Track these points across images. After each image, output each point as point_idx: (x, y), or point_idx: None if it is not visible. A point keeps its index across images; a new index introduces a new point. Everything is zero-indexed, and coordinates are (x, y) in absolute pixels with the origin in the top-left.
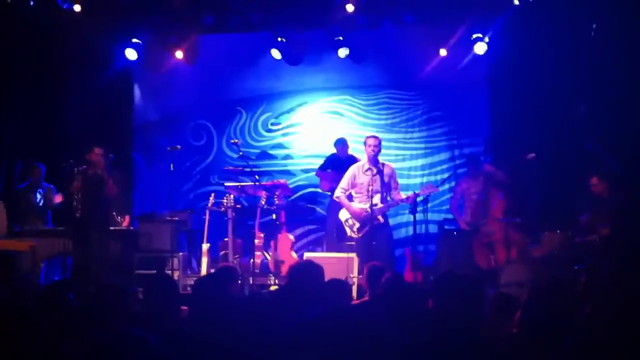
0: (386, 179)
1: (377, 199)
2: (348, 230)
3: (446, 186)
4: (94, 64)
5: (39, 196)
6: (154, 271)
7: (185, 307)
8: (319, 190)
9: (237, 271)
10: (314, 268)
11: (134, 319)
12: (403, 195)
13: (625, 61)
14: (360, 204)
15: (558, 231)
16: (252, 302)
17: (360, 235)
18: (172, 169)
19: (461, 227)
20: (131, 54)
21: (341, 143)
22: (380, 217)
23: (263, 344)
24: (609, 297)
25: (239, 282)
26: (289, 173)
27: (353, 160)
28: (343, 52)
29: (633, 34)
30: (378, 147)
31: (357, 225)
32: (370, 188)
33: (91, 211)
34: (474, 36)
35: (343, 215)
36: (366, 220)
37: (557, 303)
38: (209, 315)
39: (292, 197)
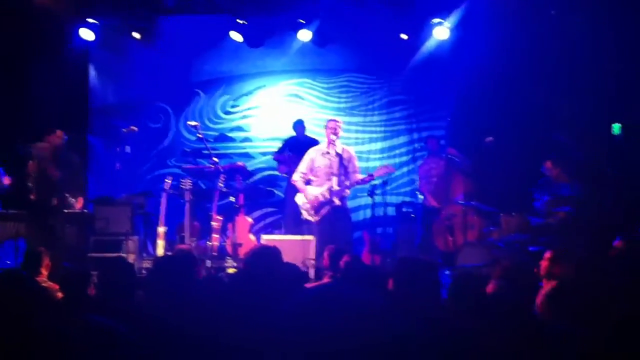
0: (345, 163)
1: (334, 182)
2: (305, 213)
3: (404, 169)
4: (49, 44)
5: None
6: (110, 254)
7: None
8: (277, 173)
9: (193, 254)
10: (272, 252)
11: (90, 303)
12: (360, 176)
13: (585, 47)
14: (317, 188)
15: (514, 214)
16: (209, 286)
17: (317, 218)
18: (128, 151)
19: (431, 203)
20: (87, 35)
21: (299, 125)
22: (337, 200)
23: (221, 327)
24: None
25: (198, 265)
26: (247, 156)
27: (312, 142)
28: (305, 35)
29: (594, 19)
30: (338, 130)
31: (313, 209)
32: (328, 171)
33: (45, 194)
34: (434, 20)
35: (300, 199)
36: (322, 203)
37: (518, 284)
38: (166, 298)
39: (251, 180)
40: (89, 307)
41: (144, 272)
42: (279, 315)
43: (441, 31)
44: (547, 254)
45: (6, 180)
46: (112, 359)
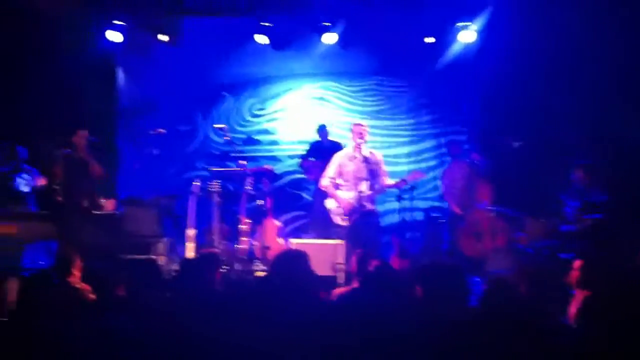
0: (373, 167)
1: (364, 186)
2: (337, 218)
3: (432, 174)
4: (77, 46)
5: (20, 180)
6: (140, 256)
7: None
8: (304, 176)
9: (219, 257)
10: (299, 256)
11: (120, 304)
12: (391, 181)
13: (611, 52)
14: (347, 192)
15: (543, 220)
16: (235, 289)
17: (348, 223)
18: (156, 153)
19: (455, 211)
20: (114, 36)
21: (322, 130)
22: (368, 204)
23: (245, 331)
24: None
25: (223, 268)
26: (275, 159)
27: (336, 146)
28: (330, 38)
29: (622, 23)
30: (364, 134)
31: (346, 213)
32: (356, 176)
33: (74, 195)
34: (461, 24)
35: (330, 203)
36: (354, 208)
37: (546, 291)
38: (191, 301)
39: (279, 183)
40: (119, 308)
41: (173, 274)
42: (301, 321)
43: (467, 34)
44: (577, 263)
45: (40, 182)
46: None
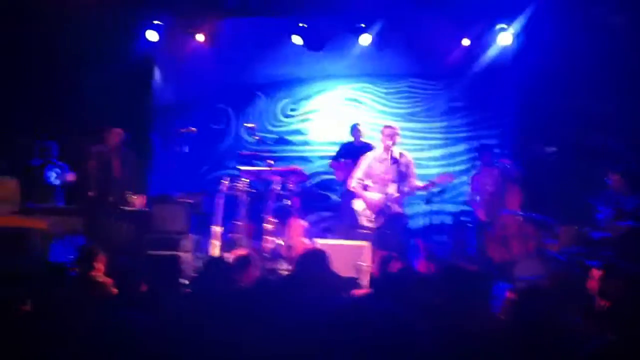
0: (403, 169)
1: (392, 188)
2: (364, 220)
3: (464, 178)
4: (115, 44)
5: (52, 175)
6: (166, 252)
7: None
8: (334, 177)
9: (252, 258)
10: (320, 255)
11: (138, 299)
12: (420, 183)
13: None
14: (375, 194)
15: (575, 227)
16: (257, 287)
17: (376, 225)
18: (187, 151)
19: (479, 217)
20: (152, 36)
21: (355, 129)
22: (396, 207)
23: (261, 330)
24: (624, 297)
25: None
26: (305, 159)
27: (368, 147)
28: (365, 40)
29: None
30: (395, 137)
31: (373, 215)
32: (386, 177)
33: (105, 191)
34: (498, 26)
35: (358, 205)
36: (382, 210)
37: (570, 299)
38: (213, 298)
39: (308, 184)
40: (140, 303)
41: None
42: (318, 321)
43: (505, 37)
44: (596, 272)
45: (70, 177)
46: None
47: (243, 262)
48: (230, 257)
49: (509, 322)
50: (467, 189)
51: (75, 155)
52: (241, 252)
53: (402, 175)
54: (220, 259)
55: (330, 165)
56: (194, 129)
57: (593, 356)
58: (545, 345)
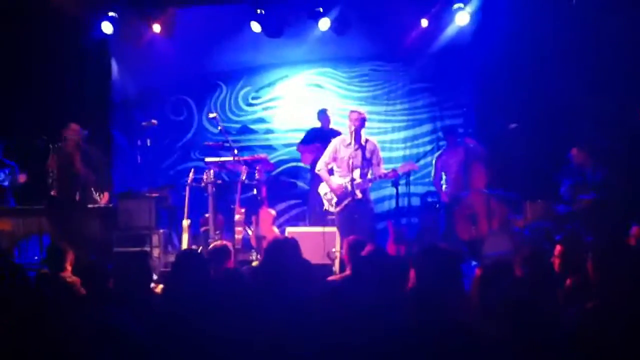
0: (368, 155)
1: (357, 174)
2: (326, 203)
3: (429, 159)
4: (70, 38)
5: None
6: (134, 249)
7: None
8: (301, 164)
9: (229, 249)
10: (290, 244)
11: (109, 297)
12: (384, 171)
13: (607, 31)
14: (340, 179)
15: (539, 201)
16: (229, 279)
17: (337, 209)
18: (149, 144)
19: (442, 199)
20: (107, 28)
21: (324, 114)
22: (359, 193)
23: (238, 322)
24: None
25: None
26: (270, 147)
27: (335, 133)
28: (324, 24)
29: (618, 5)
30: (361, 122)
31: (335, 199)
32: (351, 162)
33: (68, 189)
34: (455, 6)
35: (322, 189)
36: (344, 195)
37: (537, 274)
38: (186, 292)
39: (274, 172)
40: (108, 301)
41: (169, 266)
42: (292, 311)
43: (462, 16)
44: (557, 250)
45: (22, 178)
46: (123, 353)
47: (221, 254)
48: (206, 249)
49: (480, 299)
50: (432, 169)
51: (29, 154)
52: (218, 243)
53: (367, 161)
54: (194, 251)
55: (298, 149)
56: (155, 121)
57: (569, 328)
58: (517, 320)
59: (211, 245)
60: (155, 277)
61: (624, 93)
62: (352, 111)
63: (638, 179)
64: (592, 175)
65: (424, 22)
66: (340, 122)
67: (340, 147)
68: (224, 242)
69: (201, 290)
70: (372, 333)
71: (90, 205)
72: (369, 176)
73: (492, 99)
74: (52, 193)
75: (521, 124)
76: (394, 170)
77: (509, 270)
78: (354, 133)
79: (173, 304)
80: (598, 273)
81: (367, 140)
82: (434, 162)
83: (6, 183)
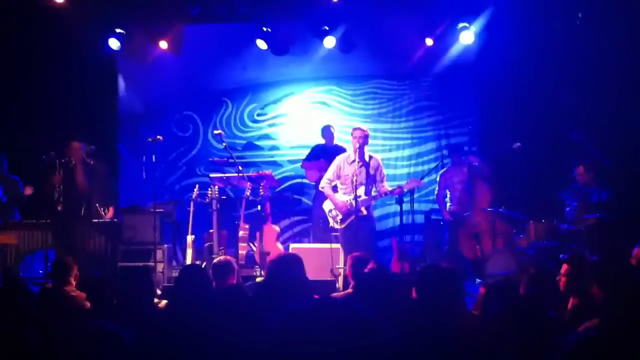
0: (372, 171)
1: (361, 191)
2: (331, 220)
3: (433, 176)
4: (77, 54)
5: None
6: (138, 264)
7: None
8: (305, 181)
9: (232, 265)
10: (293, 260)
11: (110, 311)
12: (388, 187)
13: (612, 51)
14: (344, 196)
15: (543, 221)
16: (231, 295)
17: (342, 226)
18: (154, 160)
19: (445, 217)
20: (114, 44)
21: (328, 130)
22: (363, 210)
23: (239, 338)
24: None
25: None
26: (275, 164)
27: (339, 149)
28: (330, 42)
29: (619, 24)
30: (364, 139)
31: (340, 216)
32: (354, 180)
33: (73, 204)
34: (460, 25)
35: (327, 205)
36: (349, 212)
37: (542, 293)
38: (189, 307)
39: (279, 188)
40: (111, 315)
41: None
42: (291, 326)
43: (467, 36)
44: (564, 269)
45: (27, 191)
46: None
47: (224, 269)
48: (209, 264)
49: (482, 318)
50: (436, 186)
51: (40, 168)
52: (221, 258)
53: (371, 178)
54: (196, 267)
55: (302, 166)
56: (160, 137)
57: (572, 351)
58: (520, 340)
59: (214, 261)
60: (159, 292)
61: (629, 113)
62: (355, 128)
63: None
64: (597, 195)
65: (429, 41)
66: (345, 139)
67: (344, 165)
68: (227, 257)
69: (203, 305)
70: (371, 349)
71: (95, 220)
72: (373, 193)
73: (496, 118)
74: (58, 208)
75: (525, 142)
76: (399, 186)
77: (514, 289)
78: (357, 150)
79: (175, 319)
80: (603, 293)
81: (370, 157)
82: (438, 179)
83: (5, 198)
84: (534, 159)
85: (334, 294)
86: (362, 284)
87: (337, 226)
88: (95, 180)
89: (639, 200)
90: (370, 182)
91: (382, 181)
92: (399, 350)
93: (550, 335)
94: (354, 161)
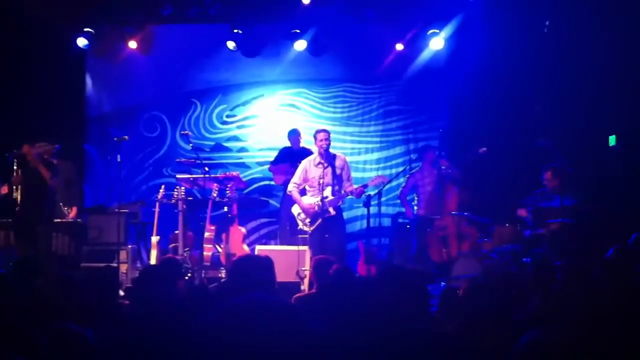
0: (338, 171)
1: (328, 191)
2: (300, 223)
3: (401, 180)
4: (43, 52)
5: None
6: (101, 264)
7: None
8: (273, 183)
9: (179, 263)
10: (254, 261)
11: (74, 312)
12: (354, 186)
13: (578, 58)
14: (312, 198)
15: (507, 225)
16: (191, 296)
17: (312, 228)
18: (119, 160)
19: (407, 214)
20: (82, 43)
21: (294, 134)
22: (331, 210)
23: (193, 337)
24: (558, 292)
25: (189, 275)
26: (244, 166)
27: (306, 152)
28: (300, 45)
29: (585, 31)
30: (328, 141)
31: (309, 219)
32: (321, 181)
33: (33, 203)
34: (430, 31)
35: (295, 209)
36: (317, 214)
37: (504, 297)
38: (148, 308)
39: (247, 190)
40: (74, 316)
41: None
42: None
43: (437, 41)
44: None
45: (3, 190)
46: None
47: (171, 266)
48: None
49: (445, 320)
50: (403, 183)
51: (5, 168)
52: (168, 257)
53: (337, 178)
54: (153, 267)
55: (269, 169)
56: (126, 137)
57: (525, 350)
58: (482, 341)
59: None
60: (122, 293)
61: (595, 118)
62: (317, 131)
63: (607, 204)
64: (561, 201)
65: (399, 46)
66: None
67: (310, 168)
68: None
69: (165, 305)
70: (334, 350)
71: (57, 220)
72: (341, 193)
73: (464, 123)
74: (17, 208)
75: (492, 147)
76: (364, 184)
77: (477, 292)
78: (323, 152)
79: (136, 319)
80: (565, 296)
81: (335, 157)
82: (406, 177)
83: None
84: (501, 163)
85: (297, 295)
86: (325, 286)
87: (306, 229)
88: (59, 179)
89: (602, 205)
90: (337, 182)
91: (348, 180)
92: (362, 351)
93: (513, 338)
94: (319, 163)
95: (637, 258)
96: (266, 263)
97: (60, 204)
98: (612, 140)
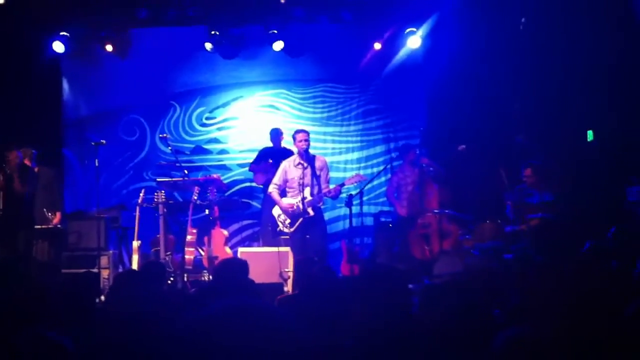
0: (317, 172)
1: (307, 192)
2: (280, 225)
3: (382, 179)
4: (19, 56)
5: None
6: (81, 270)
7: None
8: (255, 184)
9: (163, 267)
10: (238, 264)
11: (52, 319)
12: (330, 187)
13: (554, 55)
14: (292, 199)
15: (487, 221)
16: (173, 299)
17: (292, 229)
18: (97, 164)
19: (399, 212)
20: (58, 47)
21: (276, 133)
22: (310, 211)
23: (175, 341)
24: (539, 288)
25: (171, 279)
26: (224, 168)
27: (287, 152)
28: (278, 46)
29: (561, 29)
30: (307, 142)
31: (289, 220)
32: (301, 182)
33: (14, 209)
34: (407, 30)
35: (275, 211)
36: (297, 214)
37: (484, 293)
38: (128, 312)
39: (228, 192)
40: (53, 322)
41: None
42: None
43: (414, 40)
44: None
45: None
46: None
47: (154, 270)
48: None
49: (426, 318)
50: (385, 189)
51: None
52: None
53: (317, 179)
54: (132, 271)
55: (250, 169)
56: (104, 141)
57: (504, 346)
58: (462, 338)
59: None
60: (102, 298)
61: (574, 114)
62: (296, 131)
63: (585, 199)
64: (539, 196)
65: (377, 45)
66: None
67: (290, 168)
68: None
69: (145, 310)
70: (317, 349)
71: (38, 226)
72: (318, 193)
73: (443, 120)
74: None
75: (470, 144)
76: (340, 184)
77: (458, 289)
78: (303, 153)
79: (115, 324)
80: (543, 292)
81: (315, 158)
82: (388, 175)
83: None
84: (480, 160)
85: (280, 296)
86: (307, 286)
87: (286, 230)
88: (37, 185)
89: (581, 201)
90: (317, 183)
91: (326, 182)
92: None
93: (492, 334)
94: (299, 164)
95: (614, 252)
96: (245, 265)
97: (44, 209)
98: (590, 135)
